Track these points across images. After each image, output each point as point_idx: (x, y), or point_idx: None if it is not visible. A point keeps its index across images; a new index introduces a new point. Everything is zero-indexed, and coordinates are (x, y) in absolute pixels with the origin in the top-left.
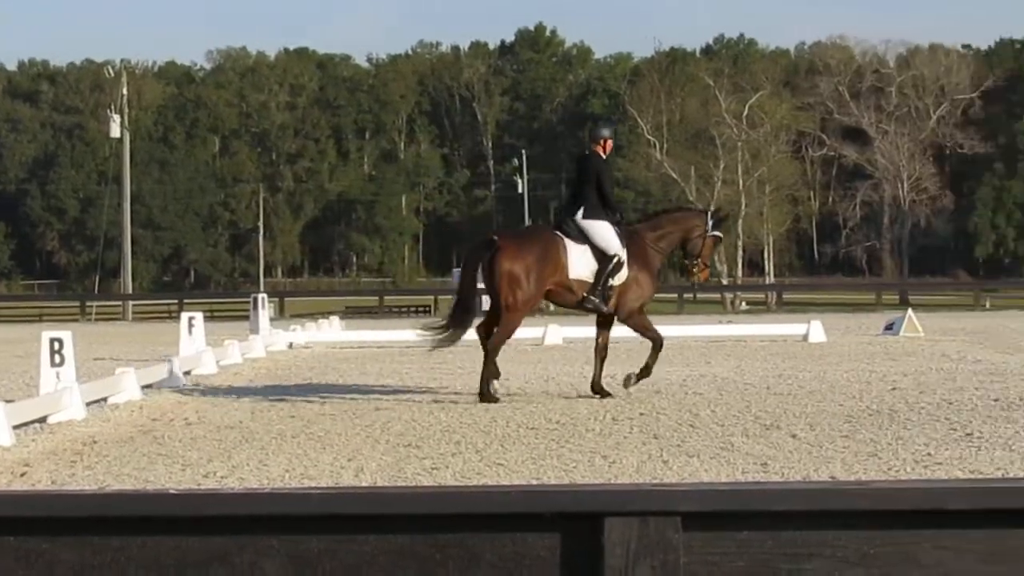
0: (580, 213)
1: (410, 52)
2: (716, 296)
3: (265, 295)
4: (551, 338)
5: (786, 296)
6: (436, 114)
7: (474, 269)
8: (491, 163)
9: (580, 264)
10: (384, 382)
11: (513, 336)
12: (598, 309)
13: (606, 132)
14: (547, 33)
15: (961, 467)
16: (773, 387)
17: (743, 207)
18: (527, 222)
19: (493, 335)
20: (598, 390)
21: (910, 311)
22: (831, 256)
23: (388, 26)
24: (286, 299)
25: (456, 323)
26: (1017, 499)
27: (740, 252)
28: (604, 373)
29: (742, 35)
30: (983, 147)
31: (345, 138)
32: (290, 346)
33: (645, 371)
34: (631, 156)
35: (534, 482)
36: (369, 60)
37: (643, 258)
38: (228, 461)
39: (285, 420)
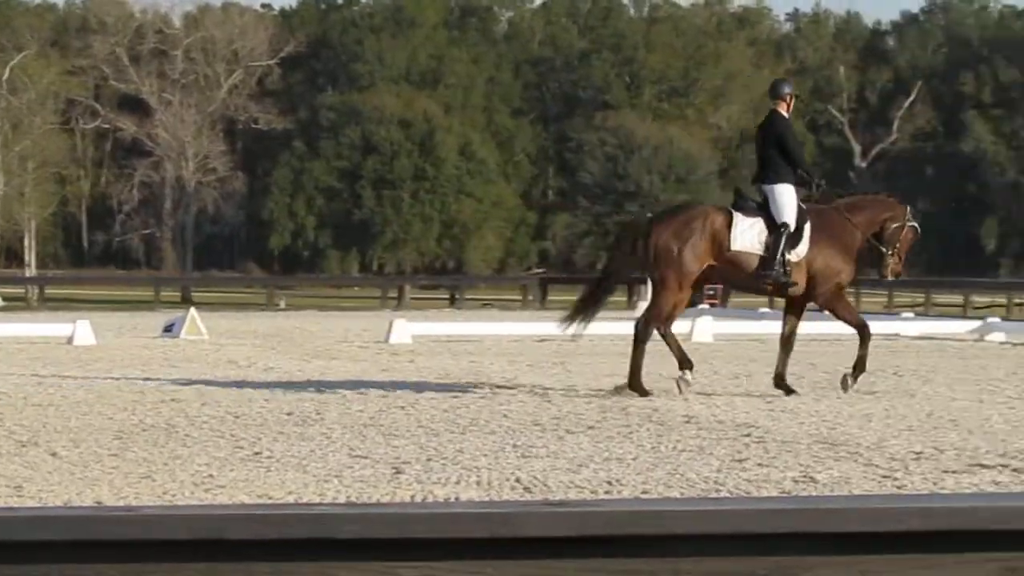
0: (766, 178)
1: None
2: None
3: None
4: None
5: (50, 291)
6: None
7: (625, 249)
8: None
9: (747, 236)
10: None
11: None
12: (774, 282)
13: (787, 88)
14: None
15: (247, 490)
16: (31, 397)
17: (1, 186)
18: None
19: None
20: (780, 385)
21: (193, 310)
22: (103, 246)
23: None
24: None
25: (590, 302)
26: (302, 528)
27: None
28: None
29: None
30: (281, 122)
31: None
32: None
33: (859, 366)
34: None
35: None
36: None
37: (837, 235)
38: None
39: None
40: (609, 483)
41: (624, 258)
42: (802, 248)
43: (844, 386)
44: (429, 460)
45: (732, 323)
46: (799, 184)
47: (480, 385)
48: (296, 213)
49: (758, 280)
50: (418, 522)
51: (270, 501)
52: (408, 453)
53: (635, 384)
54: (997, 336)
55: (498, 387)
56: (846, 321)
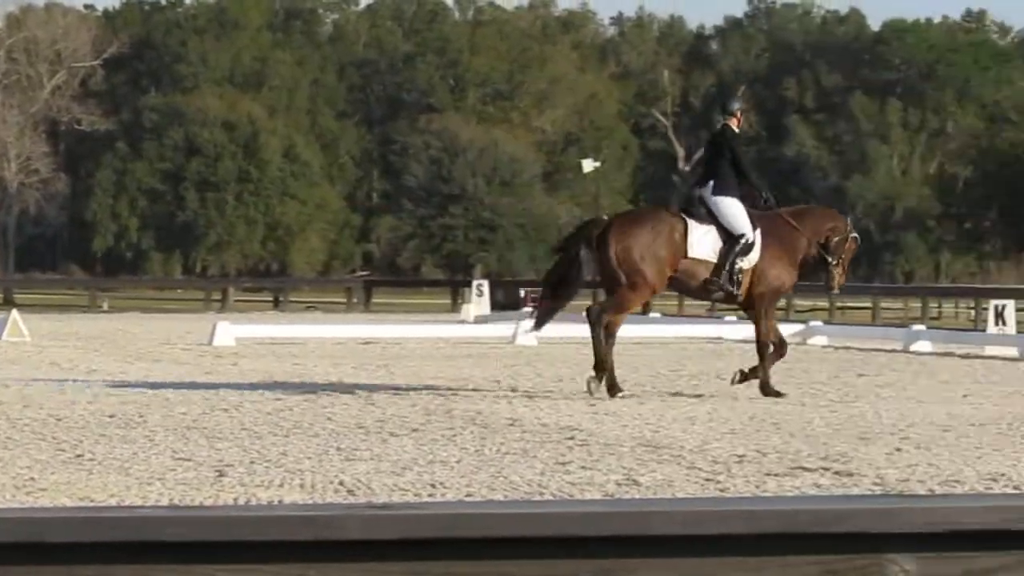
0: (710, 189)
1: None
2: None
3: None
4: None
5: None
6: None
7: (576, 249)
8: None
9: (703, 244)
10: None
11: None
12: (725, 291)
13: (737, 104)
14: None
15: (69, 493)
16: None
17: None
18: None
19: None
20: (767, 392)
21: (14, 312)
22: None
23: None
24: None
25: (552, 299)
26: (124, 531)
27: None
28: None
29: None
30: (104, 123)
31: None
32: None
33: (758, 376)
34: None
35: None
36: None
37: (785, 241)
38: None
39: None
40: (433, 486)
41: (576, 263)
42: (754, 256)
43: (734, 380)
44: (252, 463)
45: (554, 326)
46: (745, 198)
47: (304, 388)
48: (119, 215)
49: (708, 287)
50: (242, 525)
51: (92, 504)
52: (231, 456)
53: (601, 366)
54: (819, 340)
55: (322, 390)
56: (759, 333)
